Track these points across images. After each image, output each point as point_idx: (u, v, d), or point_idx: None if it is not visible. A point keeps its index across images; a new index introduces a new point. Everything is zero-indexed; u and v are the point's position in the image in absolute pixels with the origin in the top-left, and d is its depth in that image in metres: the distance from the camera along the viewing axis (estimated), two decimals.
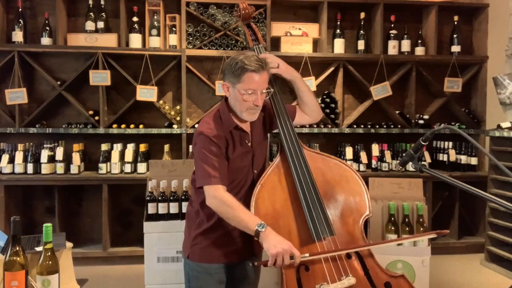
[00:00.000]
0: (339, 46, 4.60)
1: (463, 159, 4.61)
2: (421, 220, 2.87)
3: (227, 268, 2.03)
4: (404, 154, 1.73)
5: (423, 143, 1.66)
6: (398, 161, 4.55)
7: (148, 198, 3.01)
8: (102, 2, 4.37)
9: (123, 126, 4.34)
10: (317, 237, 1.86)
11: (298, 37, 4.52)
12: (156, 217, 2.99)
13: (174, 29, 4.39)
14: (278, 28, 4.55)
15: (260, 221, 1.76)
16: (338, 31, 4.61)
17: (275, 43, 4.54)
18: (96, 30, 4.34)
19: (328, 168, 2.04)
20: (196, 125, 4.43)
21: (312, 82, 4.42)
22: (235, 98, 1.94)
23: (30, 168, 4.14)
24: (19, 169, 4.14)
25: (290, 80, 2.16)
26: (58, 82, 4.33)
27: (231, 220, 1.83)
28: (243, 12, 2.28)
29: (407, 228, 2.84)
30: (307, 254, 1.76)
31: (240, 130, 1.99)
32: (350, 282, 1.79)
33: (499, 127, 4.19)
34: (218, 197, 1.84)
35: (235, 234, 1.98)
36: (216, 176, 1.85)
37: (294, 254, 1.71)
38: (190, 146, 4.33)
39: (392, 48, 4.68)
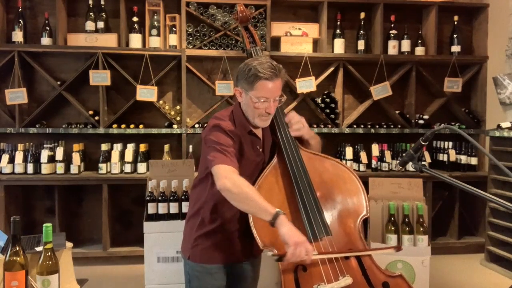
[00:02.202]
0: (339, 46, 4.60)
1: (463, 159, 4.61)
2: (421, 220, 2.87)
3: (227, 268, 2.03)
4: (404, 154, 1.73)
5: (423, 143, 1.66)
6: (398, 161, 4.55)
7: (148, 198, 3.02)
8: (102, 2, 4.37)
9: (123, 126, 4.34)
10: (313, 238, 1.85)
11: (298, 37, 4.52)
12: (156, 217, 3.00)
13: (174, 29, 4.39)
14: (278, 28, 4.55)
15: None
16: (338, 31, 4.61)
17: (275, 43, 4.54)
18: (96, 30, 4.34)
19: (325, 168, 2.04)
20: (196, 125, 4.43)
21: (312, 82, 4.42)
22: (247, 105, 1.92)
23: (30, 168, 4.14)
24: (19, 169, 4.14)
25: (308, 139, 2.10)
26: (58, 82, 4.34)
27: (247, 201, 1.71)
28: (241, 15, 2.29)
29: (407, 228, 2.84)
30: (316, 252, 1.73)
31: (253, 136, 1.98)
32: (346, 282, 1.79)
33: (499, 127, 4.19)
34: (233, 177, 1.74)
35: (236, 235, 1.98)
36: (232, 160, 1.80)
37: (308, 249, 1.64)
38: (190, 146, 4.33)
39: (392, 48, 4.68)
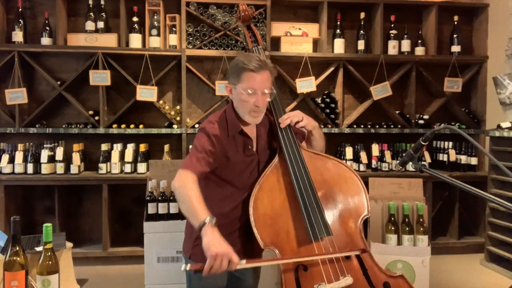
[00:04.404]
0: (339, 46, 4.60)
1: (463, 159, 4.61)
2: (421, 220, 2.87)
3: None
4: (404, 154, 1.73)
5: (423, 143, 1.66)
6: (398, 161, 4.55)
7: (148, 198, 3.02)
8: (102, 2, 4.37)
9: (123, 126, 4.34)
10: (314, 238, 1.85)
11: (298, 37, 4.52)
12: (156, 217, 3.00)
13: (174, 29, 4.39)
14: (278, 28, 4.55)
15: (211, 216, 1.69)
16: (338, 31, 4.61)
17: (275, 43, 4.54)
18: (96, 30, 4.34)
19: (326, 168, 2.04)
20: (196, 125, 4.43)
21: (312, 82, 4.42)
22: (237, 100, 1.94)
23: (30, 168, 4.14)
24: (19, 169, 4.14)
25: (310, 131, 2.09)
26: (58, 82, 4.34)
27: (184, 203, 1.75)
28: (243, 14, 2.28)
29: (407, 228, 2.84)
30: (244, 261, 1.68)
31: (244, 136, 1.98)
32: (347, 282, 1.79)
33: (499, 127, 4.19)
34: (185, 180, 1.78)
35: (237, 235, 1.98)
36: (195, 167, 1.83)
37: (232, 259, 1.60)
38: (190, 146, 4.33)
39: (392, 48, 4.68)
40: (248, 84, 1.88)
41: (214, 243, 1.60)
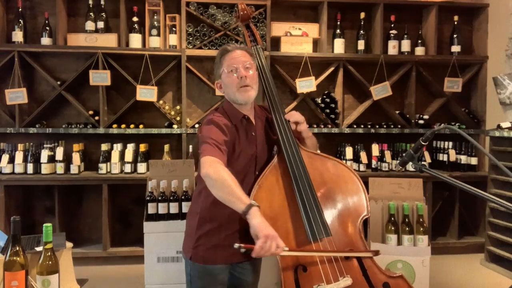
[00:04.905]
0: (339, 46, 4.60)
1: (463, 159, 4.61)
2: (421, 220, 2.87)
3: (228, 269, 2.03)
4: (404, 154, 1.73)
5: (423, 143, 1.66)
6: (398, 161, 4.55)
7: (148, 198, 3.02)
8: (102, 2, 4.37)
9: (123, 126, 4.34)
10: (313, 238, 1.85)
11: (298, 37, 4.52)
12: (156, 217, 3.00)
13: (174, 29, 4.39)
14: (278, 28, 4.55)
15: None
16: (338, 31, 4.61)
17: (275, 43, 4.54)
18: (96, 30, 4.34)
19: (326, 168, 2.04)
20: (196, 125, 4.43)
21: (312, 82, 4.42)
22: (226, 85, 2.00)
23: (30, 168, 4.14)
24: (19, 169, 4.14)
25: (305, 136, 2.12)
26: (58, 82, 4.34)
27: (224, 188, 1.70)
28: (242, 13, 2.29)
29: (407, 228, 2.84)
30: (287, 248, 1.68)
31: (247, 120, 2.01)
32: (346, 283, 1.79)
33: (499, 127, 4.19)
34: (217, 166, 1.74)
35: (237, 236, 1.98)
36: (220, 156, 1.81)
37: (279, 244, 1.61)
38: (190, 146, 4.33)
39: (392, 48, 4.68)
40: (228, 63, 1.97)
41: (266, 225, 1.62)
